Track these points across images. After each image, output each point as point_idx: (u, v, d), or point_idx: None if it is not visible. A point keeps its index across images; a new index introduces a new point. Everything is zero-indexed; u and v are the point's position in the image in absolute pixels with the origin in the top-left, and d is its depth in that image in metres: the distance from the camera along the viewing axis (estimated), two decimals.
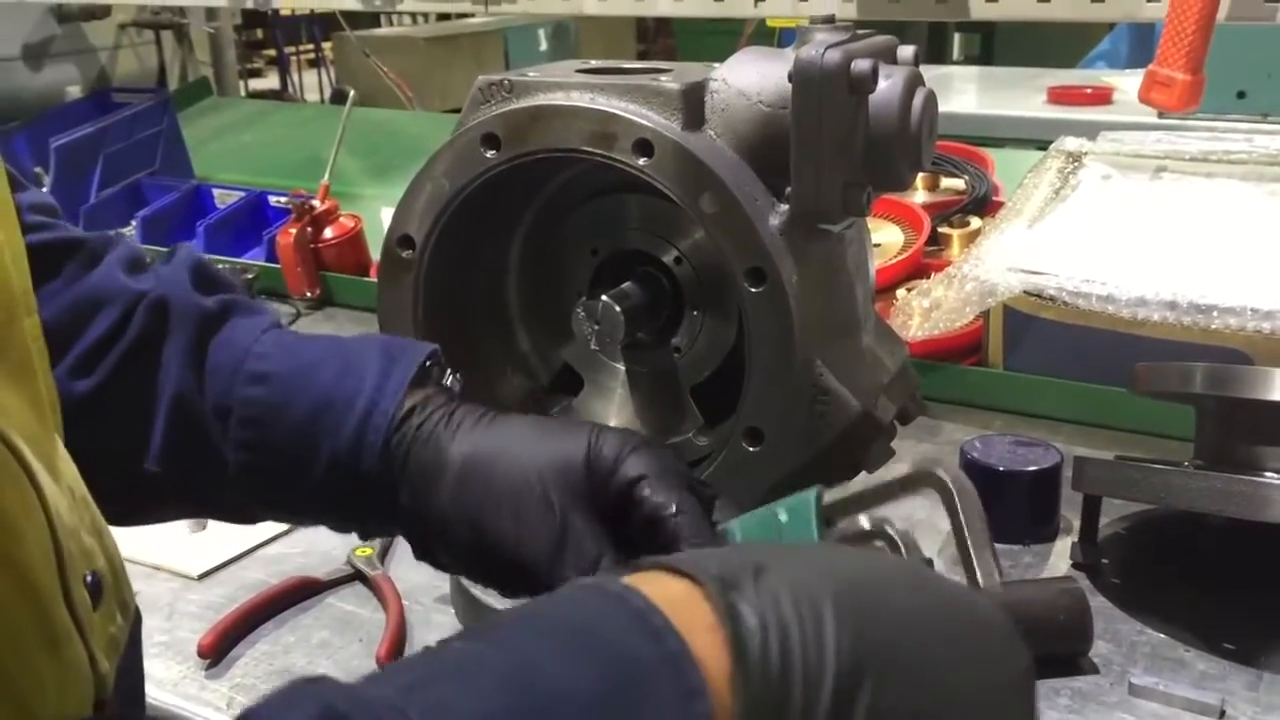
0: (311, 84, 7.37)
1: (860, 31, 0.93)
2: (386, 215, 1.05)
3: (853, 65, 0.85)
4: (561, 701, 0.44)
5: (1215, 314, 1.30)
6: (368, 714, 0.42)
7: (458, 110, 1.01)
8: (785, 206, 0.90)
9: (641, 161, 0.91)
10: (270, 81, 7.75)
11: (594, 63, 1.03)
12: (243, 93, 4.77)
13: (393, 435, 0.76)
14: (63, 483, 0.59)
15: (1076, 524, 1.15)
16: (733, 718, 0.45)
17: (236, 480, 0.79)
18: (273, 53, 7.81)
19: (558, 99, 0.94)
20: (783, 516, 0.68)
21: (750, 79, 0.92)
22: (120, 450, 0.79)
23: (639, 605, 0.47)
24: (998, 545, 1.19)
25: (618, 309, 1.00)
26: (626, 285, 1.03)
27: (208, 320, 0.81)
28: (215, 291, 0.84)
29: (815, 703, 0.46)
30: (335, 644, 1.04)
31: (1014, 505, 1.19)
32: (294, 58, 7.52)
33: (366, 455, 0.76)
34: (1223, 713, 0.93)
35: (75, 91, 3.07)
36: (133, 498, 0.80)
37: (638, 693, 0.45)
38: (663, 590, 0.48)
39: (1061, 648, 0.99)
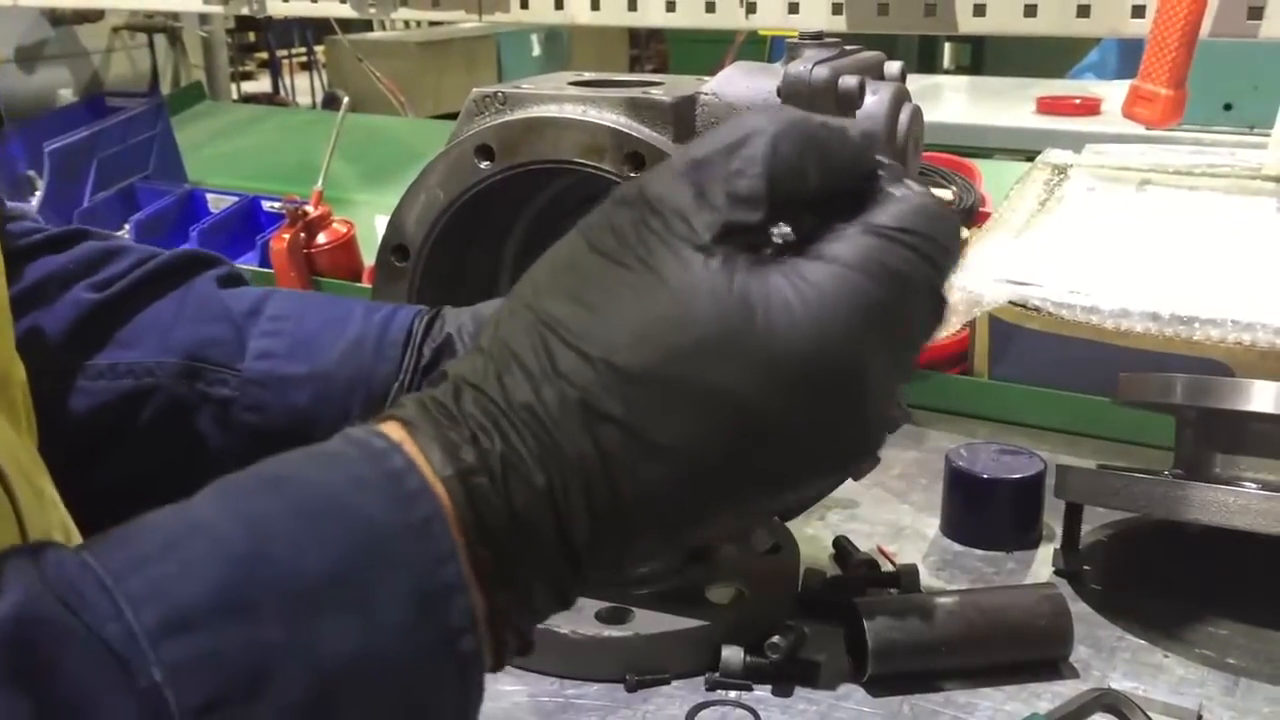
0: (303, 88, 7.36)
1: (848, 48, 0.95)
2: (380, 223, 1.07)
3: (840, 81, 0.87)
4: (291, 580, 0.42)
5: (1197, 325, 1.32)
6: (67, 605, 0.39)
7: (450, 115, 1.03)
8: None
9: (633, 174, 0.92)
10: (262, 85, 7.75)
11: (587, 75, 1.04)
12: (235, 96, 4.79)
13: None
14: (33, 484, 0.57)
15: (1059, 531, 1.17)
16: (493, 565, 0.46)
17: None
18: (265, 56, 7.81)
19: (551, 111, 0.96)
20: None
21: (740, 93, 0.94)
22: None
23: (396, 466, 0.45)
24: (980, 552, 1.22)
25: None
26: None
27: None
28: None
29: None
30: None
31: (997, 512, 1.21)
32: (286, 61, 7.52)
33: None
34: (1200, 717, 0.94)
35: (68, 94, 3.08)
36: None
37: (377, 568, 0.43)
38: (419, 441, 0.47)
39: (1042, 652, 1.01)
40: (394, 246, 1.02)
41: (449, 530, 0.45)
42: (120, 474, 0.77)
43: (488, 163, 0.97)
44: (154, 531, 0.43)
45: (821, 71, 0.87)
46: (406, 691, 0.44)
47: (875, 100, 0.91)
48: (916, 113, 0.94)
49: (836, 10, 1.52)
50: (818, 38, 0.93)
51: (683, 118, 0.94)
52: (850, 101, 0.88)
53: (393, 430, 0.47)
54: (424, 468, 0.46)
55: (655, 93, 0.95)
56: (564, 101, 0.96)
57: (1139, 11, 1.36)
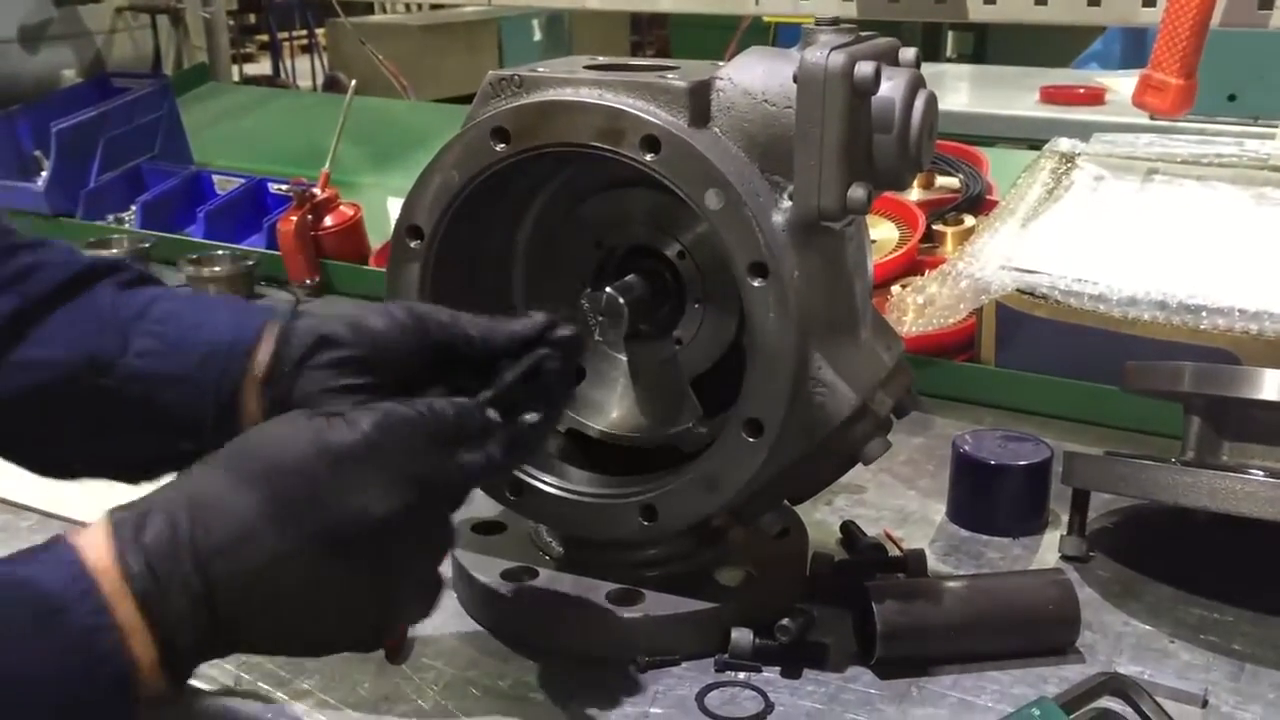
0: (304, 70, 7.35)
1: (864, 34, 0.95)
2: (394, 205, 1.07)
3: (856, 68, 0.88)
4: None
5: (1204, 314, 1.32)
6: None
7: (452, 98, 1.04)
8: (788, 203, 0.92)
9: (649, 157, 0.93)
10: (263, 67, 7.73)
11: (601, 59, 1.05)
12: (236, 78, 4.77)
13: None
14: None
15: (1065, 518, 1.18)
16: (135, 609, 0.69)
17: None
18: (265, 38, 7.79)
19: (567, 94, 0.96)
20: (1035, 711, 0.88)
21: (756, 78, 0.94)
22: None
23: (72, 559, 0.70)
24: (988, 538, 1.22)
25: (621, 301, 1.02)
26: (630, 278, 1.05)
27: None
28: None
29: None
30: None
31: (1004, 499, 1.22)
32: (287, 43, 7.50)
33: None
34: (1205, 702, 0.95)
35: (71, 75, 3.07)
36: None
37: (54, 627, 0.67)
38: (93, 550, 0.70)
39: (1050, 637, 1.02)
40: (409, 227, 1.03)
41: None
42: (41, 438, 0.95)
43: (503, 145, 0.97)
44: None
45: (838, 58, 0.88)
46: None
47: (891, 87, 0.91)
48: (931, 99, 0.95)
49: None
50: (834, 24, 0.94)
51: (698, 102, 0.94)
52: (866, 88, 0.88)
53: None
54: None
55: (671, 77, 0.95)
56: (579, 85, 0.97)
57: (1150, 1, 1.36)
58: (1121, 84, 3.08)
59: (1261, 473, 1.02)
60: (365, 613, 0.77)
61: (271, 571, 0.72)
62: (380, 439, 0.75)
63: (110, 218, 2.34)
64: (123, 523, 0.72)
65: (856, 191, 0.90)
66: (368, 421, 0.75)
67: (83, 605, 0.68)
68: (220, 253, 2.06)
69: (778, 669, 0.99)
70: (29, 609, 0.68)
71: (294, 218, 1.97)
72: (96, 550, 0.70)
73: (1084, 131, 1.72)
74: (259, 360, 0.92)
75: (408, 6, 7.05)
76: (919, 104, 0.93)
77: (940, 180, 1.98)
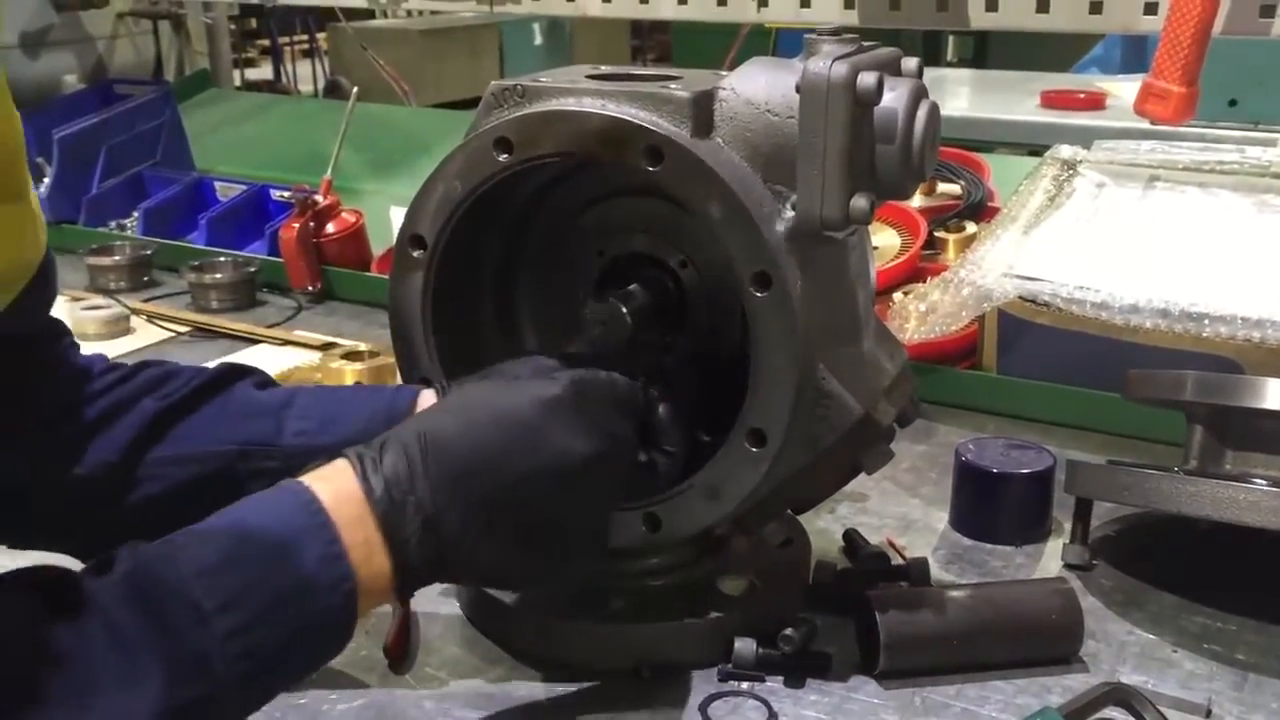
0: (305, 75, 7.36)
1: (866, 44, 0.95)
2: (396, 214, 1.07)
3: (859, 78, 0.88)
4: (253, 546, 0.74)
5: (1206, 322, 1.32)
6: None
7: (453, 103, 1.04)
8: (791, 213, 0.92)
9: (651, 167, 0.93)
10: (264, 72, 7.74)
11: (604, 68, 1.04)
12: (237, 83, 4.78)
13: None
14: None
15: (1068, 526, 1.18)
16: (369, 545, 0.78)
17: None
18: (266, 43, 7.79)
19: (569, 104, 0.96)
20: None
21: (758, 88, 0.94)
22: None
23: (306, 499, 0.78)
24: (991, 546, 1.22)
25: (623, 310, 1.02)
26: (632, 287, 1.05)
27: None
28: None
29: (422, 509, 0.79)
30: None
31: (1007, 507, 1.22)
32: (288, 48, 7.50)
33: None
34: (1209, 712, 0.95)
35: (72, 81, 3.07)
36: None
37: (298, 552, 0.75)
38: (329, 483, 0.79)
39: (1054, 646, 1.02)
40: (411, 236, 1.03)
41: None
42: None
43: (506, 155, 0.97)
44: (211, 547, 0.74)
45: (840, 68, 0.88)
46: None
47: (893, 97, 0.91)
48: (934, 109, 0.95)
49: (849, 4, 1.53)
50: (836, 34, 0.94)
51: (701, 112, 0.94)
52: (869, 98, 0.88)
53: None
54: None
55: (674, 87, 0.95)
56: (582, 95, 0.97)
57: (1151, 8, 1.36)
58: (1122, 88, 3.08)
59: (1265, 482, 1.02)
60: (563, 547, 0.87)
61: (491, 502, 0.82)
62: (582, 392, 0.88)
63: (112, 224, 2.34)
64: (364, 455, 0.81)
65: (859, 202, 0.90)
66: (571, 378, 0.89)
67: (325, 533, 0.76)
68: (222, 259, 2.06)
69: (781, 679, 0.99)
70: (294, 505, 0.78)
71: (296, 224, 1.97)
72: (342, 475, 0.80)
73: (1084, 136, 1.72)
74: (424, 406, 0.98)
75: (409, 12, 7.05)
76: (922, 114, 0.93)
77: (942, 187, 1.98)
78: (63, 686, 0.65)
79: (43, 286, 0.92)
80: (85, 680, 0.66)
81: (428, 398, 1.01)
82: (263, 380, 1.06)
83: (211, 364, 1.07)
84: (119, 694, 0.66)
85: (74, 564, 0.77)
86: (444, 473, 0.80)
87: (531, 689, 0.99)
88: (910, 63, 0.98)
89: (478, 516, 0.81)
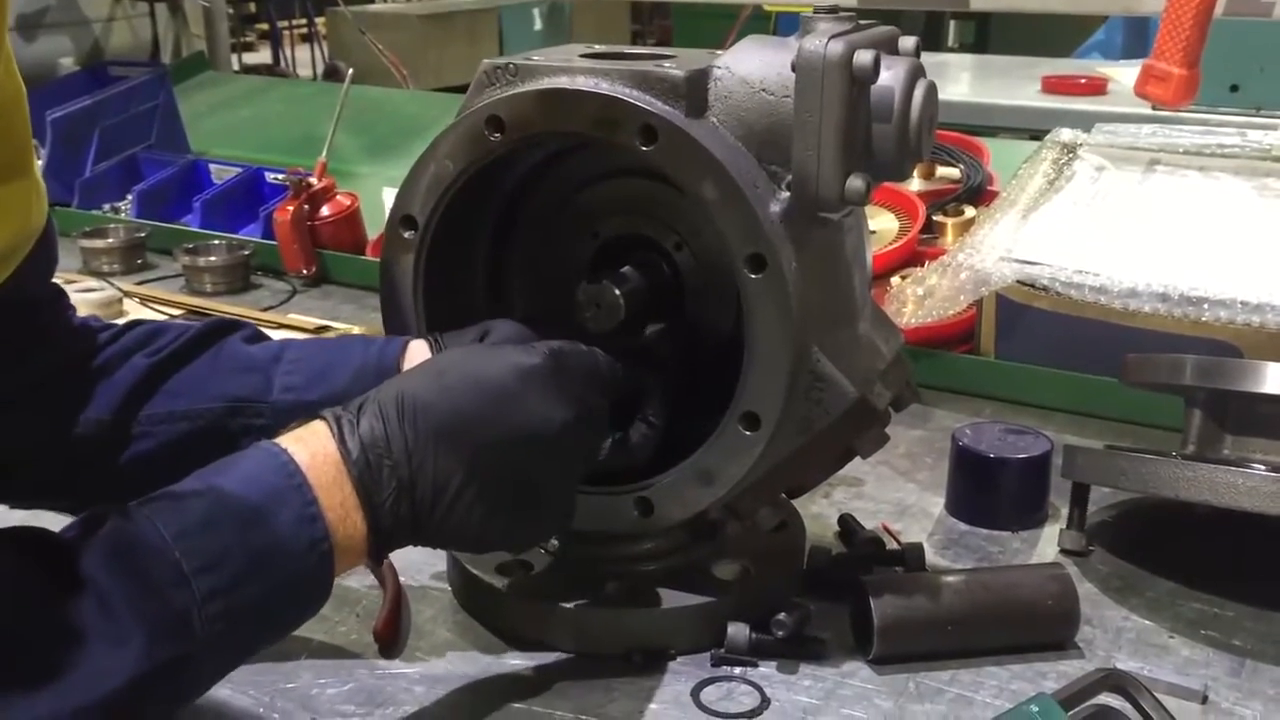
0: (304, 59, 7.33)
1: (863, 22, 0.94)
2: (388, 195, 1.06)
3: (855, 56, 0.86)
4: (232, 508, 0.75)
5: (1206, 306, 1.31)
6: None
7: (451, 88, 1.03)
8: (786, 194, 0.91)
9: (645, 147, 0.92)
10: (263, 56, 7.71)
11: (598, 48, 1.03)
12: (235, 67, 4.76)
13: None
14: None
15: (1065, 511, 1.17)
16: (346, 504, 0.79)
17: None
18: (265, 27, 7.76)
19: (562, 83, 0.95)
20: (1034, 707, 0.87)
21: (753, 67, 0.93)
22: None
23: (283, 460, 0.78)
24: (987, 531, 1.22)
25: (617, 292, 1.01)
26: (626, 269, 1.04)
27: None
28: None
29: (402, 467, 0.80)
30: (332, 618, 1.05)
31: (1004, 492, 1.21)
32: (286, 32, 7.47)
33: None
34: (1205, 698, 0.94)
35: (69, 63, 3.06)
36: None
37: (275, 514, 0.76)
38: (306, 446, 0.80)
39: (1049, 632, 1.01)
40: (402, 217, 1.02)
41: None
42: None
43: (498, 135, 0.96)
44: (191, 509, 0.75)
45: (836, 46, 0.86)
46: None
47: (890, 76, 0.90)
48: (931, 89, 0.94)
49: None
50: (832, 11, 0.92)
51: (696, 91, 0.92)
52: (865, 77, 0.87)
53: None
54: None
55: (668, 66, 0.94)
56: (575, 73, 0.95)
57: None
58: (1123, 74, 3.06)
59: (1263, 467, 1.01)
60: (535, 512, 0.89)
61: (467, 466, 0.82)
62: (561, 362, 0.89)
63: (106, 207, 2.33)
64: (341, 417, 0.82)
65: (855, 182, 0.89)
66: (550, 348, 0.90)
67: (301, 495, 0.77)
68: (216, 242, 2.05)
69: (774, 664, 0.99)
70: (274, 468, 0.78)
71: (290, 207, 1.96)
72: (319, 437, 0.80)
73: (1086, 122, 1.71)
74: (413, 358, 0.99)
75: None
76: (918, 93, 0.91)
77: (941, 171, 1.96)
78: (47, 645, 0.67)
79: (44, 252, 0.93)
80: (71, 639, 0.67)
81: (416, 347, 1.01)
82: (253, 334, 1.07)
83: None
84: (103, 653, 0.68)
85: (57, 523, 0.77)
86: (421, 436, 0.81)
87: (523, 674, 0.99)
88: (907, 42, 0.97)
89: (453, 480, 0.82)
